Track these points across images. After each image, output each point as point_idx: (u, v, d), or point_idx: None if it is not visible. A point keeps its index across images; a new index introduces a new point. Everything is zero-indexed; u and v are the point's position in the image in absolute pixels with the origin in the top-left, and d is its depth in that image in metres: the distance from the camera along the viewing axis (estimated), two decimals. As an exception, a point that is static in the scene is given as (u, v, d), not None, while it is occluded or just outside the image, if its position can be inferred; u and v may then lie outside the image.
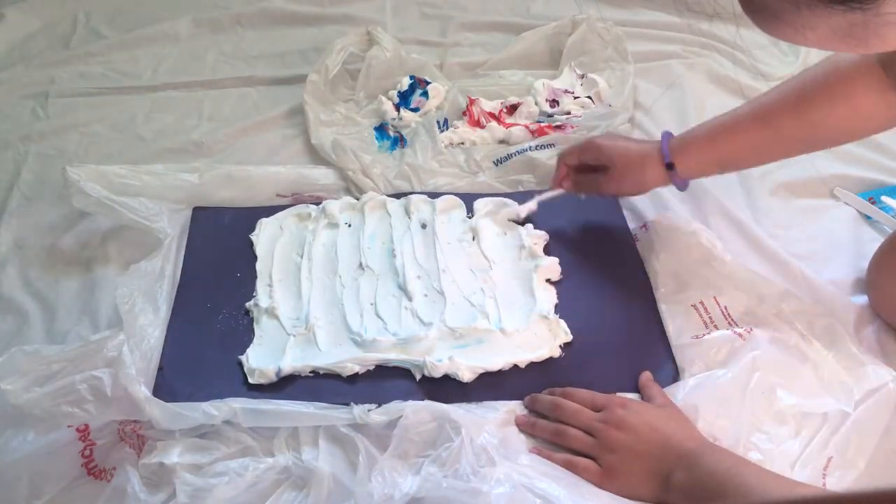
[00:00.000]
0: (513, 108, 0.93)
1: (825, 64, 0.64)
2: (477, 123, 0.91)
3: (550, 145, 0.87)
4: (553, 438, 0.60)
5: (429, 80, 0.95)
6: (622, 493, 0.56)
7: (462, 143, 0.89)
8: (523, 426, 0.62)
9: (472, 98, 0.93)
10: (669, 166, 0.70)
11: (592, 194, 0.77)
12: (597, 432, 0.58)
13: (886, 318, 0.69)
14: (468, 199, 0.82)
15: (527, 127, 0.90)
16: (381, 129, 0.92)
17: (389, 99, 0.93)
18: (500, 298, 0.71)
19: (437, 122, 0.90)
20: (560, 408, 0.61)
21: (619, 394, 0.63)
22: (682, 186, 0.73)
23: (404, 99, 0.94)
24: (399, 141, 0.91)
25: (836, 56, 0.64)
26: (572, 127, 0.90)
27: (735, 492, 0.51)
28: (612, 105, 0.92)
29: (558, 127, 0.90)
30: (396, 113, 0.92)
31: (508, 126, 0.91)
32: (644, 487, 0.56)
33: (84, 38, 1.11)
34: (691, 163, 0.70)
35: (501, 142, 0.90)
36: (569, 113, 0.91)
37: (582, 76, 0.96)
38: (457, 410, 0.60)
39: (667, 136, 0.71)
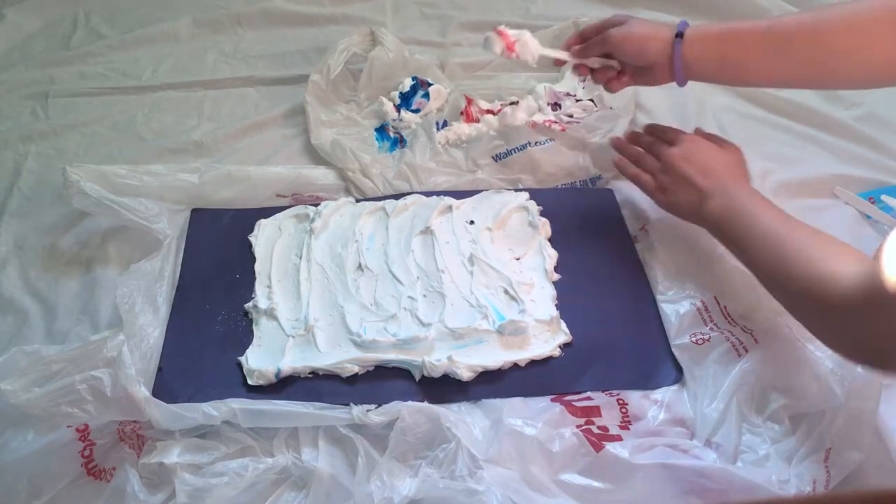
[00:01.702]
0: (511, 105, 0.93)
1: (847, 3, 0.63)
2: (473, 121, 0.91)
3: (550, 140, 0.86)
4: (634, 160, 0.76)
5: (431, 81, 0.95)
6: (666, 206, 0.72)
7: (458, 139, 0.89)
8: (616, 145, 0.78)
9: (470, 98, 0.92)
10: (679, 35, 0.70)
11: (595, 74, 0.78)
12: (662, 157, 0.71)
13: None
14: (467, 199, 0.82)
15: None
16: (381, 131, 0.92)
17: (390, 100, 0.93)
18: (500, 298, 0.71)
19: (437, 124, 0.90)
20: (640, 138, 0.77)
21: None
22: (681, 79, 0.72)
23: (406, 100, 0.94)
24: (399, 142, 0.91)
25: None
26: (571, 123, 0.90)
27: (754, 233, 0.62)
28: (613, 108, 0.92)
29: (556, 123, 0.90)
30: (397, 114, 0.92)
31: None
32: (685, 208, 0.69)
33: (84, 38, 1.11)
34: (698, 45, 0.69)
35: (497, 133, 0.89)
36: (571, 116, 0.91)
37: (584, 79, 0.96)
38: (449, 415, 0.60)
39: (684, 22, 0.72)
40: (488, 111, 0.92)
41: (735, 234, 0.64)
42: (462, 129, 0.89)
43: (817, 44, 0.64)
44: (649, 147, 0.75)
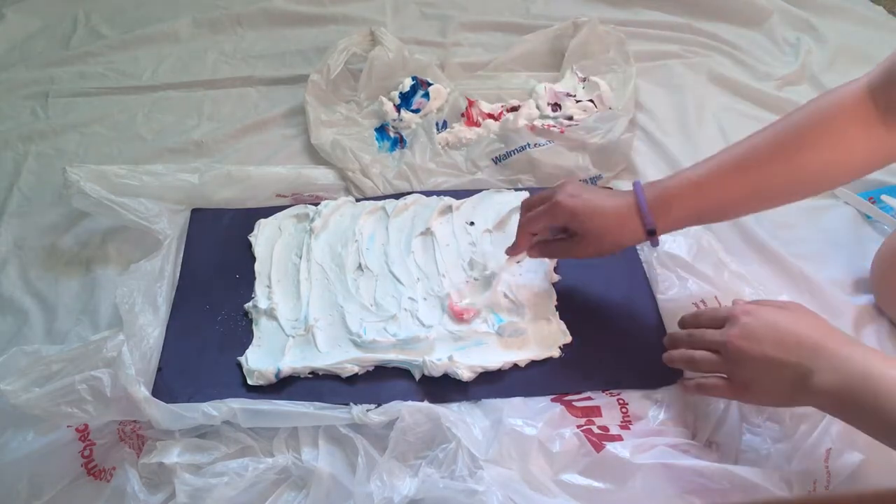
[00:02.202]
0: (513, 110, 0.93)
1: (809, 104, 0.61)
2: (475, 124, 0.91)
3: (550, 142, 0.87)
4: (686, 367, 0.60)
5: (431, 81, 0.95)
6: (762, 404, 0.58)
7: (458, 142, 0.89)
8: (666, 362, 0.61)
9: (472, 100, 0.92)
10: (651, 232, 0.63)
11: (562, 257, 0.73)
12: (722, 348, 0.56)
13: (893, 315, 0.69)
14: (467, 199, 0.82)
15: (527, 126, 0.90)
16: (381, 130, 0.92)
17: (390, 100, 0.93)
18: (500, 301, 0.71)
19: (436, 124, 0.90)
20: (689, 334, 0.60)
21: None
22: (656, 243, 0.65)
23: (406, 100, 0.93)
24: (399, 142, 0.91)
25: (822, 95, 0.61)
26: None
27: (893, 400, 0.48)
28: (612, 108, 0.92)
29: (555, 126, 0.90)
30: (397, 114, 0.92)
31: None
32: (782, 395, 0.54)
33: (84, 38, 1.11)
34: (670, 220, 0.63)
35: (497, 136, 0.89)
36: (570, 118, 0.91)
37: (584, 79, 0.96)
38: (449, 415, 0.60)
39: (639, 188, 0.64)
40: (489, 115, 0.92)
41: (869, 406, 0.50)
42: (463, 131, 0.90)
43: (790, 168, 0.60)
44: (698, 342, 0.59)
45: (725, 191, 0.61)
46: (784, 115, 0.62)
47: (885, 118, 0.57)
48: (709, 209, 0.63)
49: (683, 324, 0.63)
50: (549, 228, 0.68)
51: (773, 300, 0.61)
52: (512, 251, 0.70)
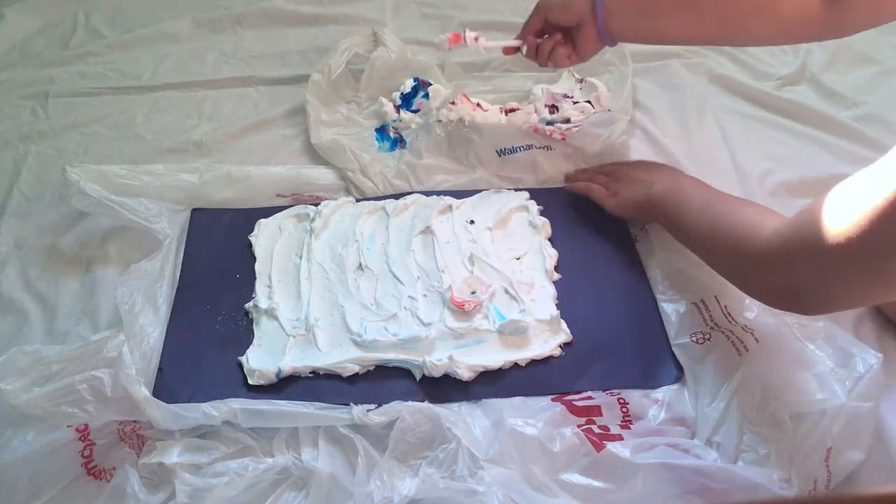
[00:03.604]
0: (510, 112, 0.93)
1: None
2: (477, 106, 0.91)
3: (552, 148, 0.87)
4: (589, 179, 0.81)
5: (431, 81, 0.95)
6: (617, 207, 0.76)
7: (461, 120, 0.88)
8: (569, 179, 0.83)
9: (466, 95, 0.92)
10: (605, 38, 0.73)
11: (539, 54, 0.80)
12: (613, 170, 0.79)
13: (890, 313, 0.69)
14: (467, 198, 0.82)
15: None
16: (381, 131, 0.92)
17: (391, 101, 0.93)
18: (500, 298, 0.71)
19: (435, 121, 0.90)
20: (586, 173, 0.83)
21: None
22: (605, 36, 0.74)
23: (406, 100, 0.93)
24: (399, 142, 0.91)
25: None
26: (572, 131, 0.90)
27: (690, 206, 0.66)
28: (610, 110, 0.92)
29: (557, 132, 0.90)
30: (397, 114, 0.92)
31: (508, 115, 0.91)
32: (631, 199, 0.74)
33: (84, 38, 1.11)
34: (622, 28, 0.72)
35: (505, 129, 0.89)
36: (568, 120, 0.91)
37: (581, 80, 0.96)
38: (449, 416, 0.60)
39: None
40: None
41: (673, 209, 0.68)
42: (465, 110, 0.89)
43: (730, 3, 0.66)
44: (598, 171, 0.82)
45: (663, 13, 0.70)
46: None
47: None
48: (648, 14, 0.71)
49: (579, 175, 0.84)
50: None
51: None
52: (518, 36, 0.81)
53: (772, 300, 0.57)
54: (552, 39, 0.78)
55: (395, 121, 0.92)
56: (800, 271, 0.51)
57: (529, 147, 0.86)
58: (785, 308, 0.57)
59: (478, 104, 0.91)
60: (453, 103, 0.89)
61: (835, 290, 0.50)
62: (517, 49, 0.81)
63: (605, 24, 0.72)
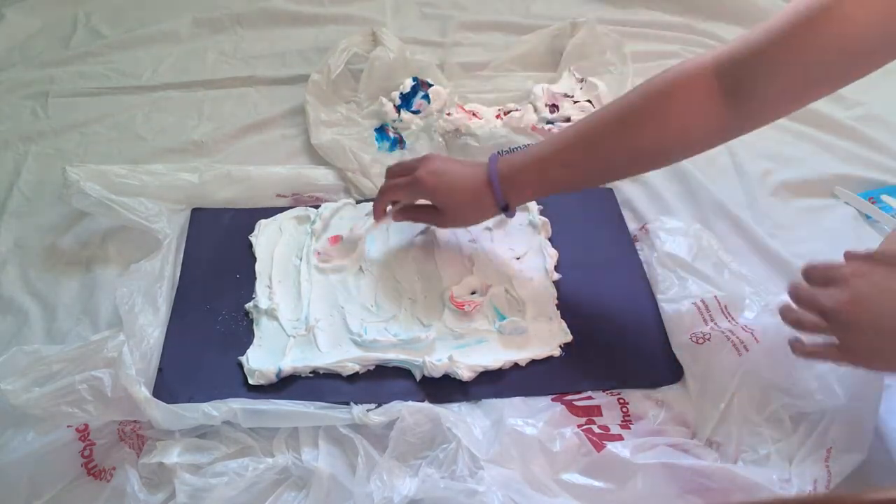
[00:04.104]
0: (508, 114, 0.93)
1: (654, 78, 0.61)
2: (473, 114, 0.91)
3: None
4: (796, 328, 0.56)
5: (431, 82, 0.95)
6: (881, 369, 0.54)
7: (457, 130, 0.88)
8: (783, 313, 0.56)
9: (461, 104, 0.92)
10: (504, 208, 0.68)
11: (426, 223, 0.75)
12: (831, 313, 0.51)
13: None
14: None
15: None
16: (381, 131, 0.92)
17: (391, 101, 0.93)
18: (500, 298, 0.71)
19: (433, 129, 0.90)
20: (797, 298, 0.55)
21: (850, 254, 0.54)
22: (511, 215, 0.71)
23: (406, 101, 0.93)
24: (399, 143, 0.91)
25: (668, 70, 0.61)
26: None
27: None
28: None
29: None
30: (397, 114, 0.92)
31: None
32: (893, 361, 0.51)
33: (84, 38, 1.11)
34: (523, 197, 0.69)
35: (502, 131, 0.89)
36: (568, 119, 0.91)
37: (581, 80, 0.96)
38: (449, 416, 0.60)
39: (493, 163, 0.67)
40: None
41: None
42: (462, 120, 0.89)
43: (628, 145, 0.62)
44: (810, 302, 0.54)
45: (569, 166, 0.65)
46: (631, 89, 0.63)
47: (726, 96, 0.58)
48: (555, 184, 0.67)
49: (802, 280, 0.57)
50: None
51: (887, 255, 0.54)
52: (374, 216, 0.73)
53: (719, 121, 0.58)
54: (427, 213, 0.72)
55: (394, 121, 0.92)
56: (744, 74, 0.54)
57: (527, 146, 0.86)
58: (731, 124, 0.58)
59: (473, 113, 0.91)
60: (449, 114, 0.90)
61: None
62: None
63: (510, 215, 0.70)
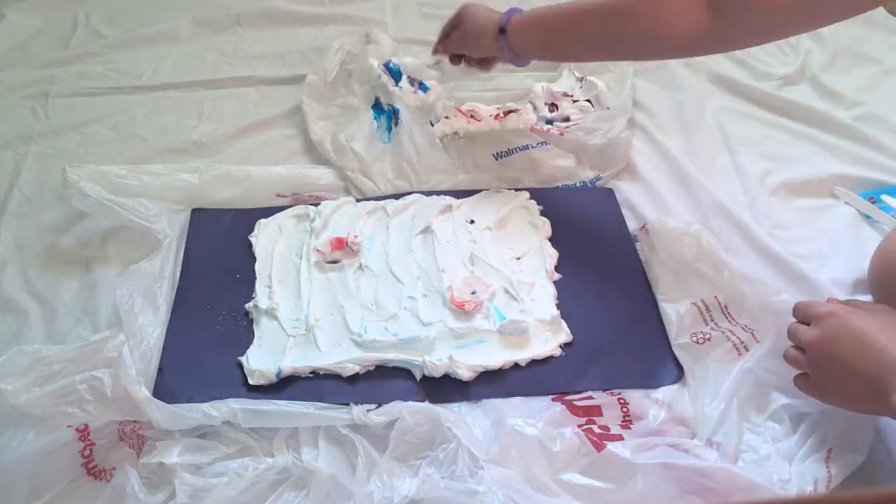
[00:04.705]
0: (509, 114, 0.93)
1: None
2: (471, 117, 0.91)
3: (549, 143, 0.87)
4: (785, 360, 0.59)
5: (423, 81, 0.95)
6: (837, 406, 0.57)
7: (455, 133, 0.88)
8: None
9: (458, 107, 0.92)
10: (502, 30, 0.75)
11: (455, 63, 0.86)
12: (806, 347, 0.56)
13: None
14: (467, 198, 0.82)
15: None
16: (377, 108, 0.91)
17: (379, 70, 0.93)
18: (500, 298, 0.71)
19: (430, 122, 0.90)
20: (787, 332, 0.59)
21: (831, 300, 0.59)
22: (513, 59, 0.78)
23: (394, 76, 0.93)
24: (393, 116, 0.90)
25: None
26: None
27: None
28: (610, 108, 0.92)
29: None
30: (394, 84, 0.91)
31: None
32: (857, 404, 0.54)
33: (84, 38, 1.11)
34: (520, 35, 0.75)
35: (499, 134, 0.89)
36: (567, 119, 0.91)
37: (581, 79, 0.96)
38: (449, 416, 0.60)
39: (513, 10, 0.75)
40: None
41: None
42: (460, 124, 0.89)
43: (613, 19, 0.67)
44: (792, 336, 0.59)
45: (565, 31, 0.72)
46: None
47: (710, 6, 0.61)
48: (552, 38, 0.73)
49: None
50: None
51: (865, 303, 0.59)
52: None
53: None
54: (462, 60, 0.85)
55: (393, 90, 0.91)
56: None
57: (525, 147, 0.86)
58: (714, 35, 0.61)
59: (471, 116, 0.91)
60: (447, 117, 0.89)
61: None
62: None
63: (515, 58, 0.77)
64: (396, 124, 0.89)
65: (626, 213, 0.82)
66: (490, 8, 0.81)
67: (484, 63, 0.84)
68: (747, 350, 0.64)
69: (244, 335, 0.69)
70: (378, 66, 0.93)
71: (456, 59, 0.86)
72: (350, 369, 0.65)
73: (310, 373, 0.66)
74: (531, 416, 0.61)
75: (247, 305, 0.72)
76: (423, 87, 0.93)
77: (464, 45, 0.83)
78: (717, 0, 0.60)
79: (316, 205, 0.81)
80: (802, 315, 0.58)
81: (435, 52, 0.87)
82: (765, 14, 0.59)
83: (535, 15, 0.74)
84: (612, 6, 0.67)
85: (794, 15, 0.59)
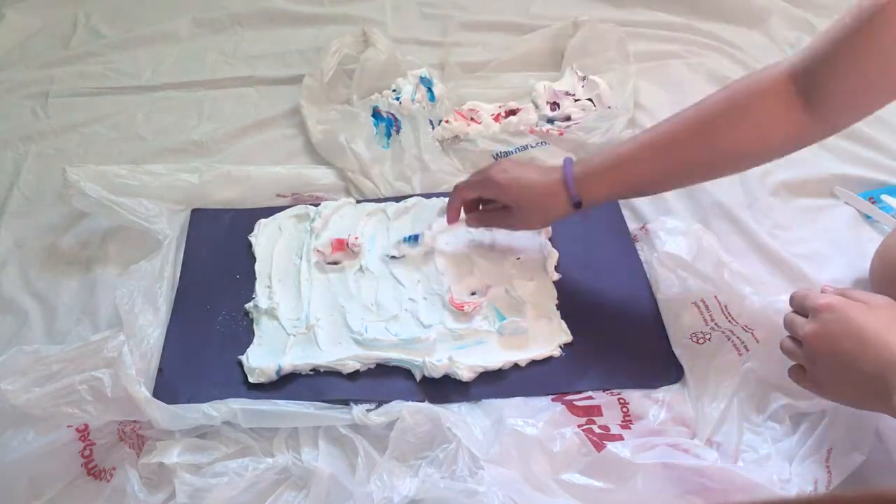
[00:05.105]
0: (511, 113, 0.93)
1: (732, 84, 0.62)
2: (471, 120, 0.91)
3: (546, 143, 0.87)
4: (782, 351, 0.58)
5: (432, 87, 0.95)
6: (835, 401, 0.56)
7: (456, 137, 0.89)
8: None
9: (458, 110, 0.92)
10: (577, 205, 0.67)
11: (496, 226, 0.75)
12: (803, 341, 0.55)
13: None
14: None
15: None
16: (376, 115, 0.92)
17: (384, 97, 0.93)
18: (500, 298, 0.71)
19: (430, 122, 0.90)
20: (785, 318, 0.58)
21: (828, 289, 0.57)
22: (584, 215, 0.70)
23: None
24: (394, 123, 0.90)
25: (745, 77, 0.62)
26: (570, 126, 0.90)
27: None
28: (611, 107, 0.92)
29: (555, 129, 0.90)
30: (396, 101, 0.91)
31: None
32: (856, 399, 0.53)
33: (84, 38, 1.12)
34: (595, 195, 0.66)
35: (499, 135, 0.89)
36: (569, 118, 0.91)
37: (583, 78, 0.96)
38: (449, 416, 0.60)
39: (569, 164, 0.67)
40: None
41: None
42: (460, 128, 0.89)
43: (706, 147, 0.62)
44: (788, 327, 0.58)
45: (645, 169, 0.64)
46: (707, 95, 0.63)
47: (803, 102, 0.58)
48: (630, 185, 0.67)
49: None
50: (483, 200, 0.73)
51: (863, 294, 0.55)
52: (448, 219, 0.74)
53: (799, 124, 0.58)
54: (496, 216, 0.72)
55: (392, 100, 0.91)
56: (821, 80, 0.54)
57: (525, 147, 0.86)
58: (814, 127, 0.58)
59: (472, 118, 0.91)
60: (447, 121, 0.89)
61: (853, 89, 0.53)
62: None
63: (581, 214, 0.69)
64: (397, 131, 0.89)
65: (626, 213, 0.82)
66: (517, 161, 0.73)
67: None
68: (747, 350, 0.64)
69: (244, 335, 0.69)
70: (409, 81, 0.92)
71: (472, 205, 0.74)
72: (350, 366, 0.65)
73: (310, 370, 0.66)
74: (531, 416, 0.61)
75: (247, 305, 0.72)
76: (432, 96, 0.93)
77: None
78: (810, 96, 0.57)
79: (316, 205, 0.81)
80: (799, 306, 0.57)
81: (454, 218, 0.74)
82: (864, 94, 0.57)
83: (606, 163, 0.65)
84: (696, 126, 0.62)
85: (874, 97, 0.57)
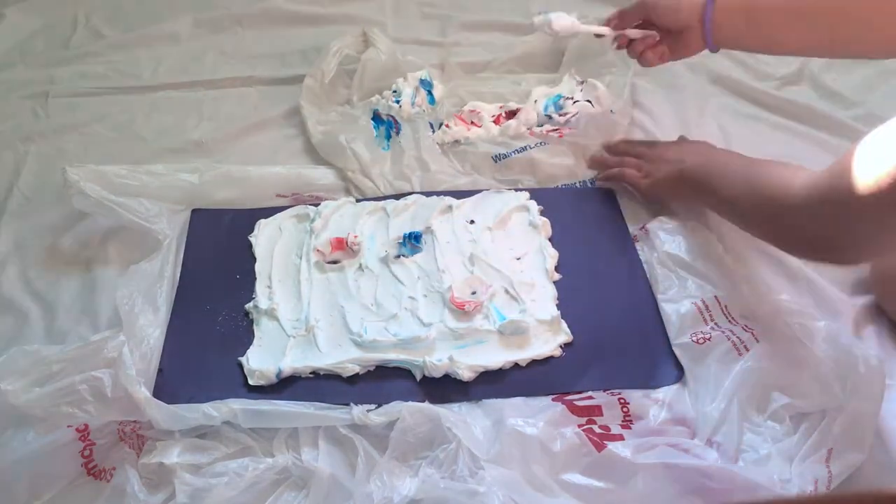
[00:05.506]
0: (511, 114, 0.93)
1: None
2: (471, 123, 0.91)
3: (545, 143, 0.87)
4: (616, 165, 0.81)
5: (432, 90, 0.95)
6: (651, 188, 0.78)
7: (456, 141, 0.89)
8: (595, 163, 0.84)
9: (458, 114, 0.92)
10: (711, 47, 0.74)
11: (632, 45, 0.80)
12: (644, 152, 0.79)
13: (893, 314, 0.69)
14: (467, 198, 0.82)
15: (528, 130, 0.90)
16: (376, 118, 0.92)
17: (384, 98, 0.93)
18: (500, 298, 0.71)
19: (431, 125, 0.90)
20: (617, 147, 0.83)
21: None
22: (711, 42, 0.74)
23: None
24: (394, 126, 0.90)
25: None
26: (570, 129, 0.89)
27: (725, 172, 0.68)
28: (611, 110, 0.92)
29: (555, 130, 0.90)
30: (396, 105, 0.91)
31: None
32: (665, 178, 0.75)
33: (84, 38, 1.11)
34: (727, 9, 0.70)
35: (498, 138, 0.89)
36: (569, 119, 0.91)
37: (582, 82, 0.96)
38: (449, 416, 0.60)
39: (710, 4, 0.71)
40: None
41: (707, 180, 0.70)
42: (461, 132, 0.89)
43: (841, 15, 0.64)
44: (627, 151, 0.81)
45: (775, 14, 0.69)
46: None
47: None
48: (758, 25, 0.70)
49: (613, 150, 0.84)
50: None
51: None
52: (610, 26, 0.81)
53: (809, 252, 0.60)
54: (647, 39, 0.79)
55: (392, 104, 0.91)
56: (835, 221, 0.52)
57: (524, 149, 0.86)
58: (822, 259, 0.60)
59: (472, 122, 0.90)
60: (448, 126, 0.89)
61: (869, 237, 0.51)
62: (604, 35, 0.81)
63: (713, 32, 0.72)
64: (397, 133, 0.89)
65: (626, 213, 0.82)
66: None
67: (656, 49, 0.79)
68: (747, 350, 0.63)
69: (244, 335, 0.69)
70: (409, 83, 0.92)
71: (624, 39, 0.80)
72: (350, 369, 0.65)
73: (310, 373, 0.66)
74: (531, 416, 0.61)
75: (247, 306, 0.72)
76: (431, 99, 0.93)
77: (657, 9, 0.75)
78: None
79: (316, 205, 0.81)
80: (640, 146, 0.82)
81: (607, 23, 0.80)
82: None
83: (739, 8, 0.71)
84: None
85: None
